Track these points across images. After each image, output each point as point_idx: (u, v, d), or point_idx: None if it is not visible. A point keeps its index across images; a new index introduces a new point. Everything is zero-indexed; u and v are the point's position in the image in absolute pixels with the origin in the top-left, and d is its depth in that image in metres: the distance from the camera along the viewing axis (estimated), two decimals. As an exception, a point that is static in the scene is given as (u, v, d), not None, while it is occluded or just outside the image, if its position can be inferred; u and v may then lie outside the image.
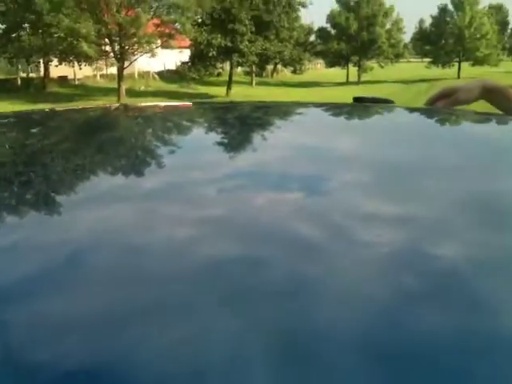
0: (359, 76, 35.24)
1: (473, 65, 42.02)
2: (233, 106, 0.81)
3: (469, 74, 38.84)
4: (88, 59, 16.08)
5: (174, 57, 20.86)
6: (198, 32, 17.60)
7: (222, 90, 21.09)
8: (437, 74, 39.83)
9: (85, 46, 14.65)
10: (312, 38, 41.08)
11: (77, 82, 24.52)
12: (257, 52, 18.24)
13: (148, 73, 28.07)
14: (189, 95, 20.04)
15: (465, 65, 41.02)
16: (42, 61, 20.55)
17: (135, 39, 15.53)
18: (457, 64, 39.89)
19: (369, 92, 16.46)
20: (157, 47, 16.46)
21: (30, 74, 24.22)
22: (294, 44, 29.00)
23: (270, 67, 37.61)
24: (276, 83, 32.66)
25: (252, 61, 18.99)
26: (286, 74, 39.48)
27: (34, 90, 20.66)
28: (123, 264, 0.33)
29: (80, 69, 20.73)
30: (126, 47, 16.04)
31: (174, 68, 26.06)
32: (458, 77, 37.06)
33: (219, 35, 17.52)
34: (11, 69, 22.67)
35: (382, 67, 39.87)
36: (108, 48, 16.25)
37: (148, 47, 16.02)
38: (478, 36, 38.66)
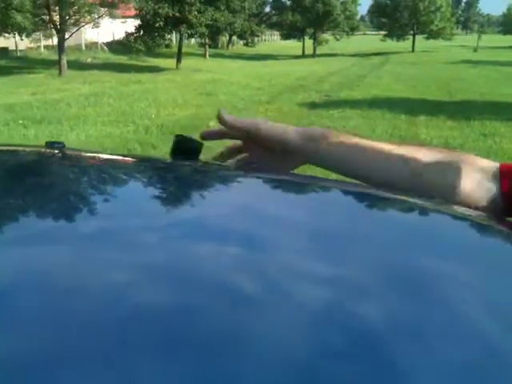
0: (314, 49, 34.88)
1: (427, 38, 42.24)
2: (175, 165, 0.76)
3: (423, 47, 39.05)
4: (23, 31, 15.10)
5: (124, 27, 20.04)
6: (143, 1, 16.78)
7: (173, 63, 20.44)
8: (392, 47, 39.91)
9: (19, 17, 13.71)
10: (267, 8, 40.48)
11: (19, 54, 23.32)
12: (206, 23, 17.56)
13: (96, 44, 26.97)
14: (138, 68, 19.30)
15: (419, 38, 41.18)
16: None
17: (75, 8, 14.67)
18: (411, 37, 39.96)
19: (324, 65, 16.13)
20: (99, 17, 15.62)
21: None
22: (249, 15, 28.32)
23: (225, 39, 36.91)
24: (231, 55, 32.03)
25: (201, 32, 18.32)
26: (242, 45, 38.87)
27: (-30, 63, 19.47)
28: (51, 310, 0.33)
29: (21, 39, 19.63)
30: (66, 17, 15.15)
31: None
32: (413, 50, 37.18)
33: (166, 4, 16.75)
34: None
35: (337, 40, 39.61)
36: (46, 18, 15.29)
37: (89, 17, 15.18)
38: (432, 9, 38.72)
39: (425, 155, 0.70)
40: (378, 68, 22.27)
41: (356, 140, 0.71)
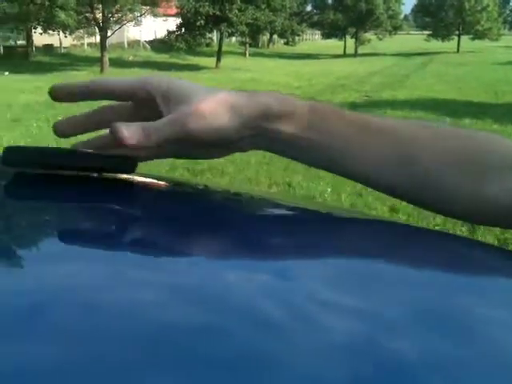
0: (356, 48, 34.42)
1: (473, 39, 41.17)
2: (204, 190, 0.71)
3: (468, 47, 38.07)
4: (67, 28, 15.36)
5: (166, 25, 20.21)
6: (184, -1, 16.88)
7: (212, 61, 20.47)
8: (436, 47, 39.04)
9: (63, 15, 13.95)
10: (309, 7, 40.20)
11: (63, 51, 23.80)
12: (247, 22, 17.50)
13: (138, 42, 27.28)
14: (178, 66, 19.40)
15: (464, 38, 40.15)
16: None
17: (117, 7, 14.82)
18: (456, 37, 39.01)
19: (365, 65, 15.91)
20: (140, 15, 15.73)
21: (19, 42, 23.52)
22: (290, 13, 28.13)
23: (266, 37, 36.82)
24: (271, 54, 31.90)
25: (242, 31, 18.27)
26: (282, 44, 38.74)
27: (17, 60, 19.96)
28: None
29: (65, 37, 20.06)
30: (109, 15, 15.32)
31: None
32: (458, 50, 36.29)
33: (207, 3, 16.77)
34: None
35: (380, 39, 39.02)
36: (89, 16, 15.54)
37: (131, 15, 15.32)
38: (478, 8, 37.70)
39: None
40: (421, 68, 21.76)
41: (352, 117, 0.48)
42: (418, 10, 44.83)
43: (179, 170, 5.39)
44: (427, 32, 43.27)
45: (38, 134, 7.18)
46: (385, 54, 33.00)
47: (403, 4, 39.04)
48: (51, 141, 6.70)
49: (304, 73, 18.17)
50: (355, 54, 33.22)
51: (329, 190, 4.60)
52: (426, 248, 0.55)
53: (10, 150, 0.52)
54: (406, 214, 3.91)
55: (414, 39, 56.55)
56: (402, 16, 48.34)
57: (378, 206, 4.10)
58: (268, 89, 13.55)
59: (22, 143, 6.48)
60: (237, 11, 17.05)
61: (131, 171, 0.55)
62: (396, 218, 3.72)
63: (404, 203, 0.56)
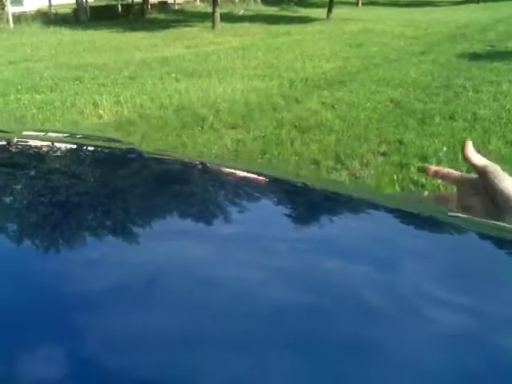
0: (480, -7, 31.75)
1: None
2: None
3: None
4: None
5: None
6: None
7: (323, 13, 19.92)
8: None
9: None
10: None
11: (176, 7, 24.31)
12: (361, -31, 16.69)
13: (249, -5, 27.18)
14: (288, 19, 19.10)
15: None
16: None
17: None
18: None
19: (490, 12, 14.56)
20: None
21: (135, 0, 24.32)
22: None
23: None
24: (385, 3, 30.39)
25: (355, -21, 17.46)
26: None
27: (133, 17, 20.71)
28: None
29: (179, -7, 20.44)
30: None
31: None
32: None
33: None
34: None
35: (508, -18, 35.62)
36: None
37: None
38: None
39: None
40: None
41: None
42: None
43: (286, 126, 5.34)
44: None
45: (153, 91, 7.43)
46: (513, -1, 30.22)
47: None
48: (164, 98, 6.91)
49: (421, 21, 17.14)
50: (478, 0, 30.73)
51: (444, 148, 4.34)
52: None
53: None
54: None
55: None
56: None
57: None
58: (381, 39, 12.97)
59: (137, 100, 6.75)
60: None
61: None
62: None
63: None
